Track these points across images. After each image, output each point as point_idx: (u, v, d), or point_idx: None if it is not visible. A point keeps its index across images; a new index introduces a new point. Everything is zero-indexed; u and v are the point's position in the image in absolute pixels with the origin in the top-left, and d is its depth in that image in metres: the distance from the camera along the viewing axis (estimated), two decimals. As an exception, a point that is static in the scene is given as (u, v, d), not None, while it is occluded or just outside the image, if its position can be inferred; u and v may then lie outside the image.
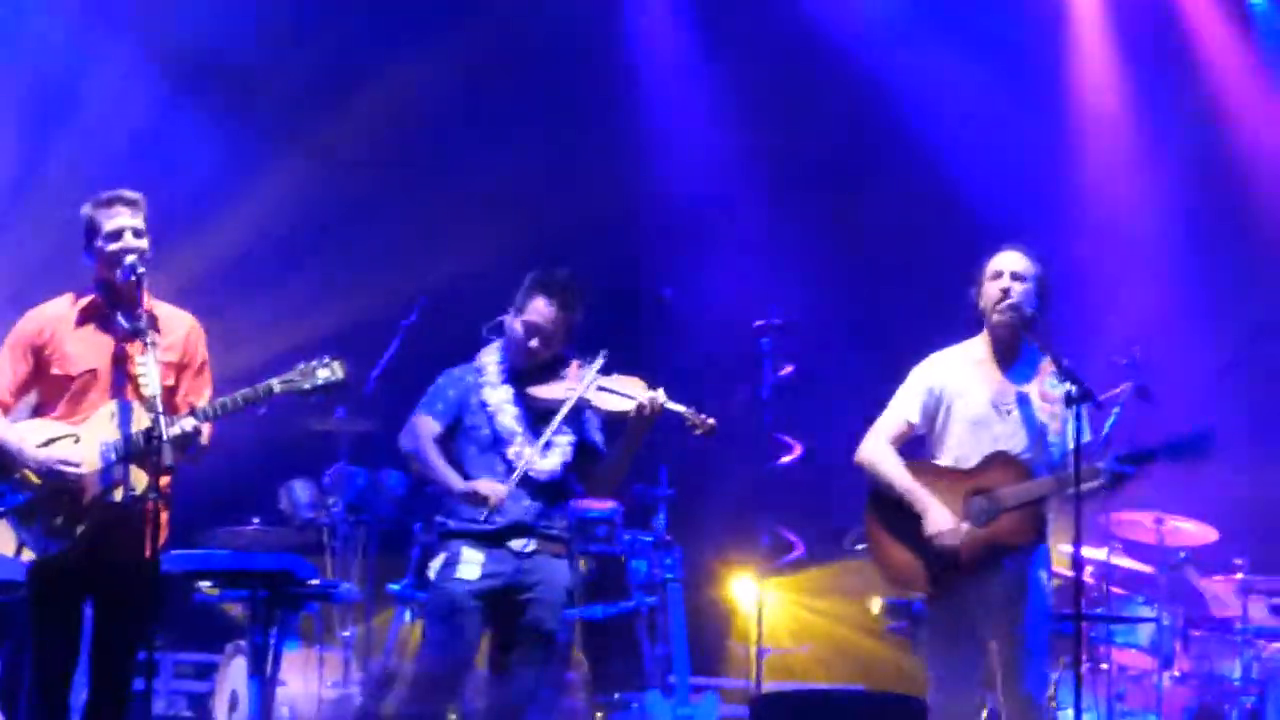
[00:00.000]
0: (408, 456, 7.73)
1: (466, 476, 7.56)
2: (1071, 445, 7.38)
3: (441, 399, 7.67)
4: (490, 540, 7.53)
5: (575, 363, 7.64)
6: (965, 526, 7.47)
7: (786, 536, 11.12)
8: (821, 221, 12.04)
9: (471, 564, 7.51)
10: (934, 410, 7.72)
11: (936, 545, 7.47)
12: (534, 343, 7.59)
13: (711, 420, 7.44)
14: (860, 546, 8.30)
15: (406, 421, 7.72)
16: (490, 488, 7.44)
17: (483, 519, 7.42)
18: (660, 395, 7.44)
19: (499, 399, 7.63)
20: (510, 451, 7.59)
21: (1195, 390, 10.95)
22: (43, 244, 9.77)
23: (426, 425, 7.65)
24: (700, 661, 10.16)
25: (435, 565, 7.62)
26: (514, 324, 7.63)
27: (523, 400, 7.61)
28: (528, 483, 7.55)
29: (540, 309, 7.58)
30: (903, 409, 7.77)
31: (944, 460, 7.67)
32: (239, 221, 11.52)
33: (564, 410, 7.44)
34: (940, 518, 7.48)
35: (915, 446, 7.75)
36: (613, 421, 7.58)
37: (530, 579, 7.57)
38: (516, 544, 7.54)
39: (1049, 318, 7.66)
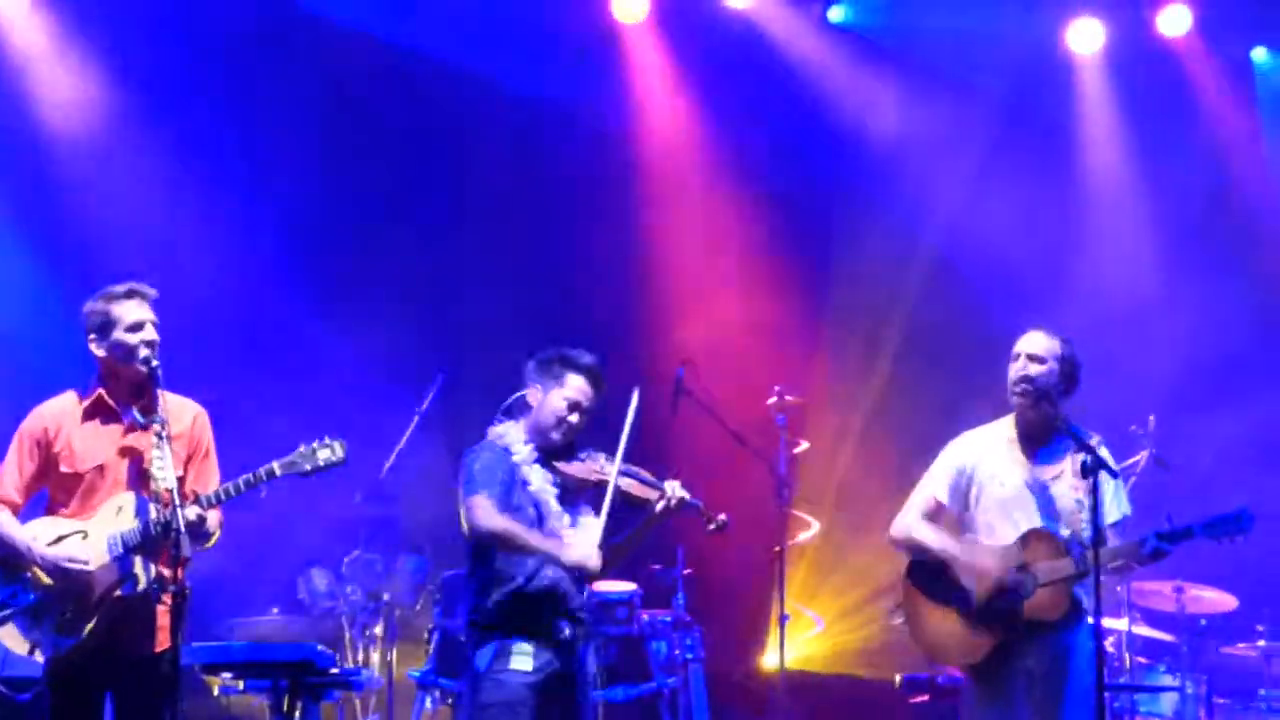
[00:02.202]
0: (488, 536, 7.54)
1: (511, 562, 7.48)
2: (1103, 521, 7.49)
3: (494, 480, 7.55)
4: (536, 630, 7.48)
5: (581, 446, 7.66)
6: (1001, 591, 7.51)
7: (806, 613, 11.11)
8: (831, 298, 12.05)
9: (524, 655, 7.46)
10: (965, 490, 7.77)
11: (990, 590, 7.48)
12: (574, 418, 7.58)
13: (724, 516, 7.45)
14: (899, 621, 8.30)
15: (467, 507, 7.59)
16: (590, 555, 7.38)
17: (590, 577, 7.39)
18: (678, 487, 7.45)
19: (539, 479, 7.58)
20: (553, 530, 7.54)
21: (1213, 456, 10.95)
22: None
23: (492, 505, 7.52)
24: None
25: (484, 656, 7.53)
26: (550, 400, 7.60)
27: (556, 480, 7.60)
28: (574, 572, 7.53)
29: (582, 387, 7.59)
30: (932, 487, 7.84)
31: (977, 539, 7.72)
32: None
33: (608, 499, 7.43)
34: (988, 563, 7.50)
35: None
36: (625, 506, 7.58)
37: (575, 667, 7.54)
38: (558, 632, 7.50)
39: (1075, 397, 7.70)
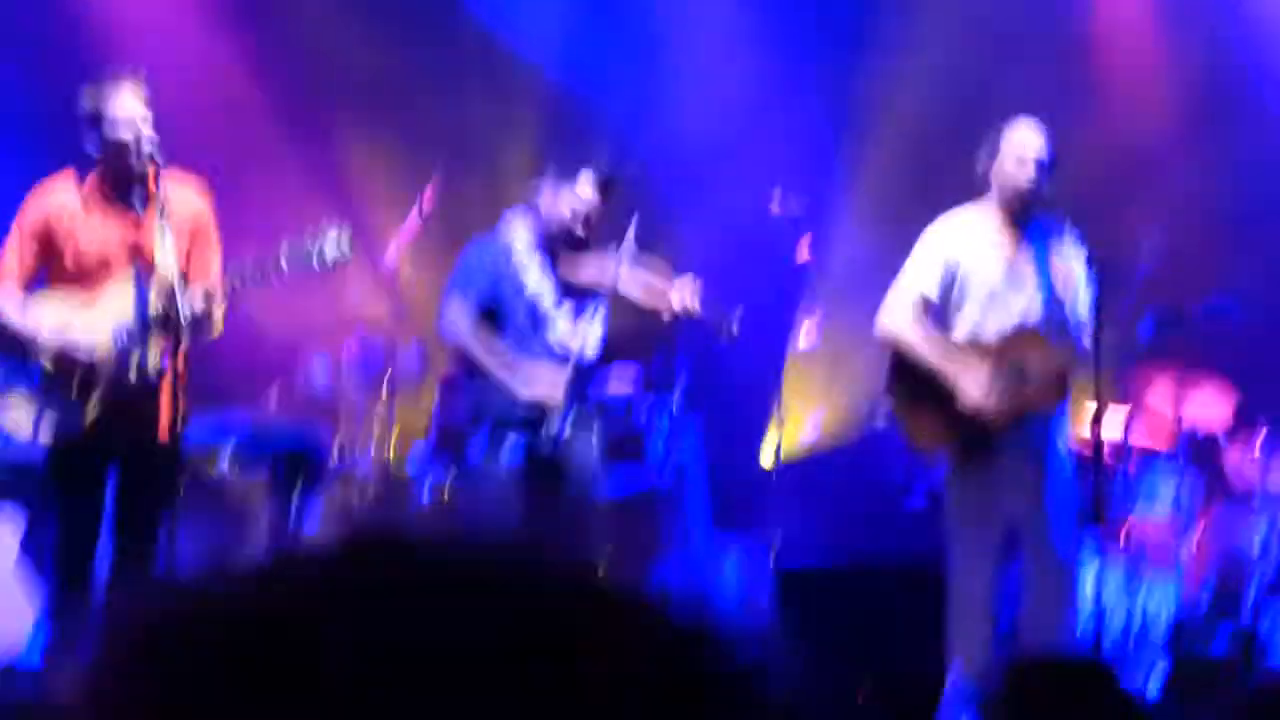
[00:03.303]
0: (451, 347, 7.61)
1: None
2: (1082, 311, 7.57)
3: (474, 282, 7.55)
4: (526, 423, 7.51)
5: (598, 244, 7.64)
6: (994, 399, 7.51)
7: (807, 418, 11.12)
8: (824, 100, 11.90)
9: (512, 448, 7.50)
10: (950, 284, 7.70)
11: (971, 413, 7.49)
12: (579, 228, 7.54)
13: (736, 327, 7.44)
14: (881, 422, 8.30)
15: (442, 306, 7.62)
16: (552, 391, 7.39)
17: (551, 431, 7.42)
18: (690, 295, 7.42)
19: (535, 280, 7.57)
20: (550, 337, 7.55)
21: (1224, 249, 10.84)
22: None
23: (463, 312, 7.53)
24: (719, 538, 10.16)
25: (475, 449, 7.58)
26: (558, 203, 7.55)
27: (556, 280, 7.57)
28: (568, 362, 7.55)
29: (587, 194, 7.52)
30: (919, 283, 7.72)
31: (959, 333, 7.67)
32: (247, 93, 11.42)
33: (606, 298, 7.42)
34: (975, 392, 7.50)
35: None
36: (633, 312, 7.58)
37: (567, 459, 7.58)
38: (549, 423, 7.52)
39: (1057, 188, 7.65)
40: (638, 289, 7.48)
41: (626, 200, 7.65)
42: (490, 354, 7.48)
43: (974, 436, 7.54)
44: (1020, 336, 7.56)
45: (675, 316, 7.46)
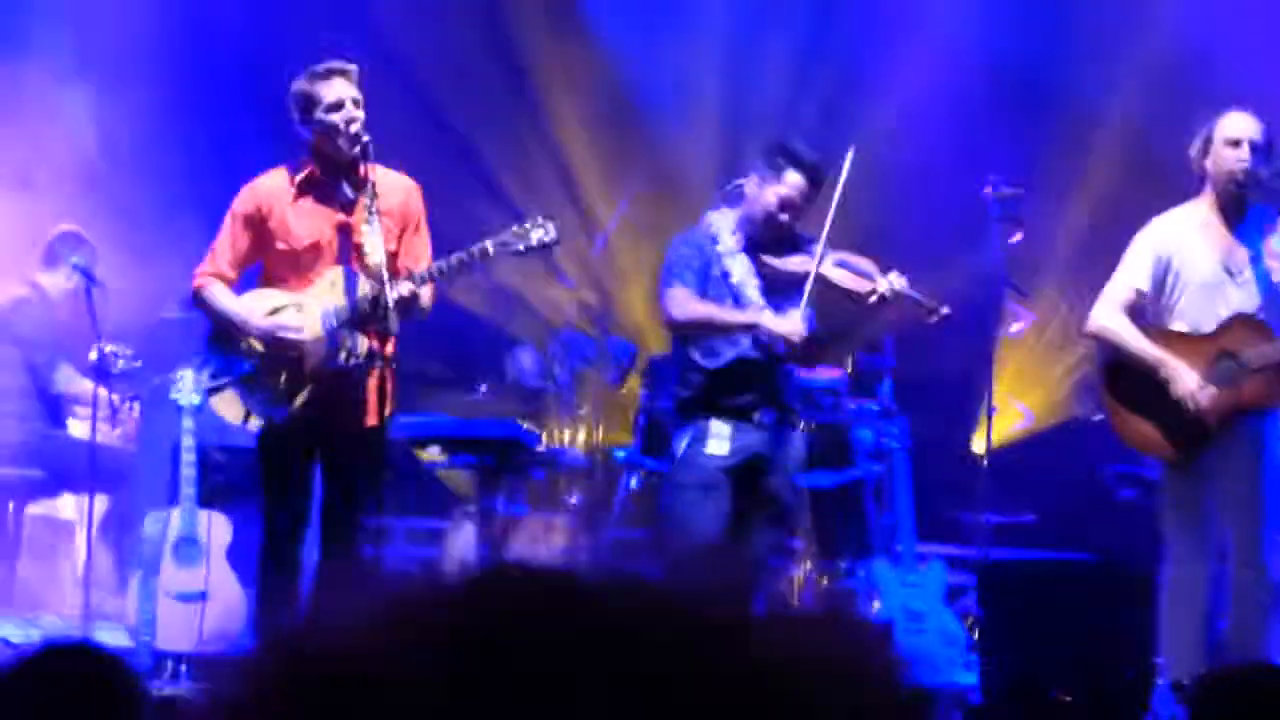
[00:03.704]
0: (684, 325, 7.53)
1: (710, 351, 7.48)
2: None
3: (689, 268, 7.51)
4: (734, 413, 7.49)
5: (802, 239, 7.57)
6: (1212, 390, 7.36)
7: (1016, 406, 10.99)
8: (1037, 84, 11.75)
9: (720, 438, 7.46)
10: (1163, 277, 7.59)
11: (1188, 408, 7.36)
12: (785, 216, 7.47)
13: (946, 309, 7.35)
14: (1098, 418, 8.19)
15: (662, 298, 7.60)
16: (795, 326, 7.33)
17: (794, 352, 7.36)
18: (898, 279, 7.34)
19: (741, 270, 7.51)
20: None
21: None
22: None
23: (688, 294, 7.49)
24: (927, 530, 10.07)
25: (683, 441, 7.56)
26: (764, 194, 7.47)
27: (760, 271, 7.53)
28: (768, 353, 7.50)
29: (797, 183, 7.44)
30: (1132, 277, 7.63)
31: (1176, 327, 7.55)
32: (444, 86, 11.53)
33: (810, 282, 7.35)
34: (1189, 381, 7.37)
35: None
36: (842, 299, 7.50)
37: (771, 450, 7.54)
38: (758, 416, 7.49)
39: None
40: (844, 274, 7.42)
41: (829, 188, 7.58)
42: (727, 310, 7.44)
43: (1189, 434, 7.41)
44: (1237, 326, 7.42)
45: (883, 300, 7.38)
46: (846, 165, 7.55)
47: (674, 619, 1.33)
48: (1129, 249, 7.70)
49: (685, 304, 7.44)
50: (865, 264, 7.46)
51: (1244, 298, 7.50)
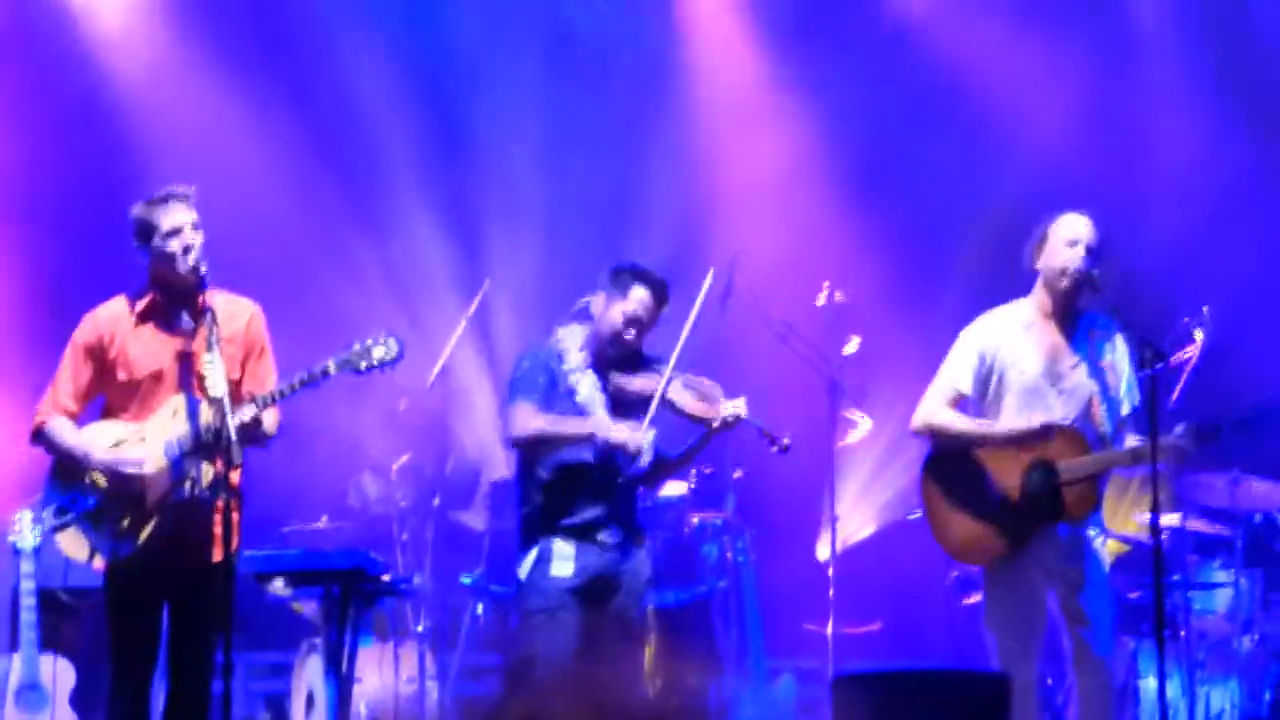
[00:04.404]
0: (525, 441, 7.51)
1: (551, 466, 7.47)
2: (1121, 411, 7.55)
3: (533, 384, 7.51)
4: (577, 532, 7.46)
5: (648, 357, 7.60)
6: (1022, 497, 7.46)
7: (859, 511, 11.07)
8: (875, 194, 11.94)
9: (564, 559, 7.44)
10: (986, 377, 7.66)
11: (1004, 503, 7.41)
12: (631, 333, 7.50)
13: (787, 439, 7.40)
14: (914, 517, 8.26)
15: (503, 414, 7.58)
16: (633, 436, 7.33)
17: (634, 462, 7.36)
18: (742, 406, 7.38)
19: (588, 387, 7.53)
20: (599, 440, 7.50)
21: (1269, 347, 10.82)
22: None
23: (530, 410, 7.48)
24: (775, 644, 10.10)
25: (527, 563, 7.52)
26: (610, 311, 7.51)
27: (607, 389, 7.54)
28: (615, 475, 7.49)
29: (642, 299, 7.49)
30: (955, 376, 7.70)
31: (997, 428, 7.61)
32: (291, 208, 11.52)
33: (655, 402, 7.37)
34: (1009, 459, 7.45)
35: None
36: (681, 420, 7.52)
37: (617, 570, 7.52)
38: (603, 536, 7.47)
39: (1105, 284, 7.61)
40: (688, 398, 7.44)
41: (676, 308, 7.62)
42: (566, 420, 7.43)
43: (1012, 527, 7.48)
44: (1055, 435, 7.49)
45: (726, 425, 7.42)
46: (705, 287, 7.61)
47: None
48: (953, 347, 7.77)
49: (526, 419, 7.44)
50: (710, 388, 7.49)
51: (1064, 405, 7.58)
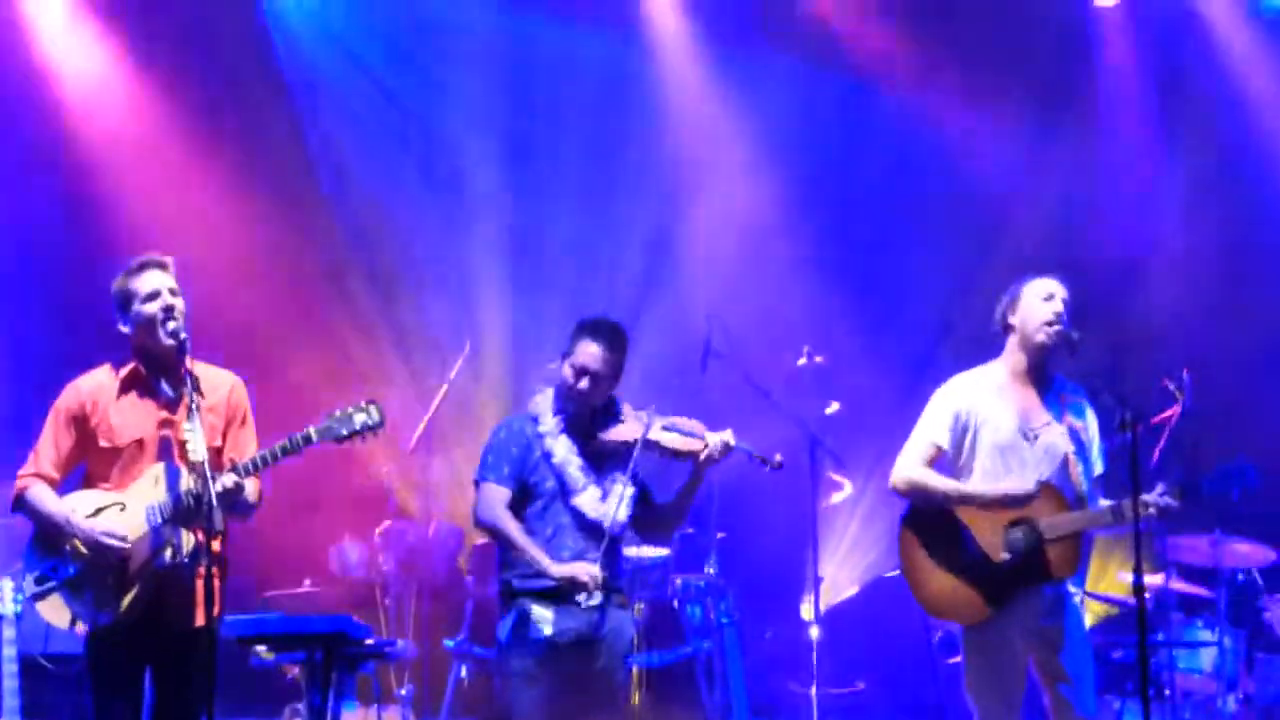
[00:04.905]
0: (488, 531, 7.61)
1: (531, 532, 7.49)
2: (1099, 472, 7.58)
3: (506, 460, 7.55)
4: (556, 596, 7.47)
5: (628, 407, 7.63)
6: (1004, 556, 7.45)
7: (842, 571, 11.08)
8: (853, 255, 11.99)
9: (543, 623, 7.45)
10: (961, 435, 7.67)
11: (983, 562, 7.42)
12: (583, 383, 7.53)
13: (779, 456, 7.44)
14: (892, 574, 8.26)
15: (476, 488, 7.62)
16: (586, 571, 7.38)
17: (583, 604, 7.39)
18: (729, 435, 7.43)
19: (563, 450, 7.56)
20: (576, 500, 7.52)
21: (1248, 408, 10.87)
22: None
23: (497, 495, 7.53)
24: (761, 704, 10.08)
25: (505, 626, 7.54)
26: (564, 368, 7.59)
27: (584, 449, 7.56)
28: (596, 535, 7.50)
29: (589, 350, 7.54)
30: (931, 433, 7.70)
31: (971, 487, 7.62)
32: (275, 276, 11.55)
33: (636, 451, 7.41)
34: (1017, 484, 7.47)
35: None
36: (673, 460, 7.55)
37: (598, 632, 7.52)
38: (583, 598, 7.46)
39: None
40: (673, 437, 7.48)
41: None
42: (527, 542, 7.46)
43: (991, 585, 7.48)
44: (1035, 493, 7.50)
45: (714, 457, 7.46)
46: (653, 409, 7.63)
47: None
48: (928, 405, 7.78)
49: (493, 508, 7.51)
50: (693, 425, 7.53)
51: (1039, 463, 7.59)
